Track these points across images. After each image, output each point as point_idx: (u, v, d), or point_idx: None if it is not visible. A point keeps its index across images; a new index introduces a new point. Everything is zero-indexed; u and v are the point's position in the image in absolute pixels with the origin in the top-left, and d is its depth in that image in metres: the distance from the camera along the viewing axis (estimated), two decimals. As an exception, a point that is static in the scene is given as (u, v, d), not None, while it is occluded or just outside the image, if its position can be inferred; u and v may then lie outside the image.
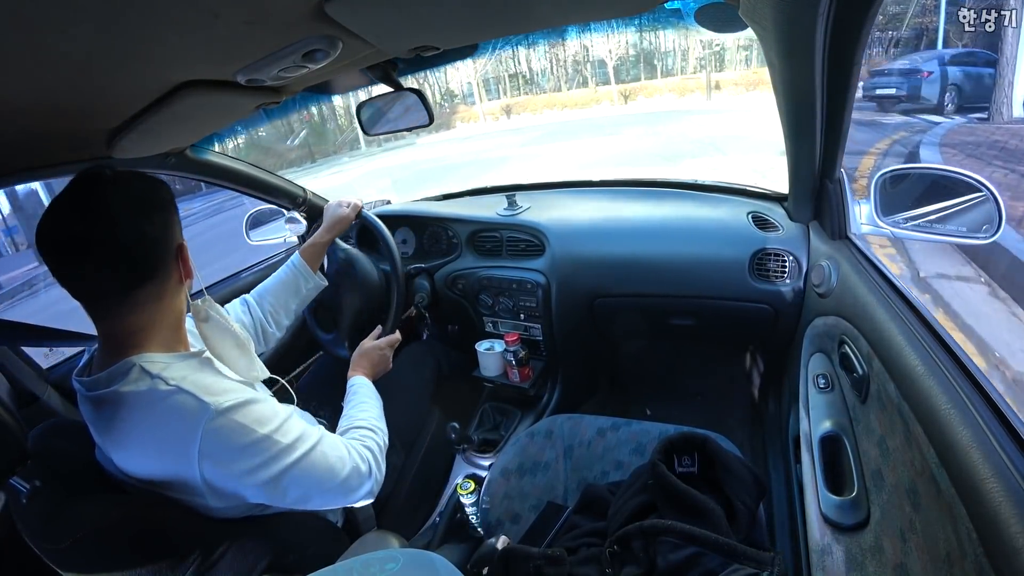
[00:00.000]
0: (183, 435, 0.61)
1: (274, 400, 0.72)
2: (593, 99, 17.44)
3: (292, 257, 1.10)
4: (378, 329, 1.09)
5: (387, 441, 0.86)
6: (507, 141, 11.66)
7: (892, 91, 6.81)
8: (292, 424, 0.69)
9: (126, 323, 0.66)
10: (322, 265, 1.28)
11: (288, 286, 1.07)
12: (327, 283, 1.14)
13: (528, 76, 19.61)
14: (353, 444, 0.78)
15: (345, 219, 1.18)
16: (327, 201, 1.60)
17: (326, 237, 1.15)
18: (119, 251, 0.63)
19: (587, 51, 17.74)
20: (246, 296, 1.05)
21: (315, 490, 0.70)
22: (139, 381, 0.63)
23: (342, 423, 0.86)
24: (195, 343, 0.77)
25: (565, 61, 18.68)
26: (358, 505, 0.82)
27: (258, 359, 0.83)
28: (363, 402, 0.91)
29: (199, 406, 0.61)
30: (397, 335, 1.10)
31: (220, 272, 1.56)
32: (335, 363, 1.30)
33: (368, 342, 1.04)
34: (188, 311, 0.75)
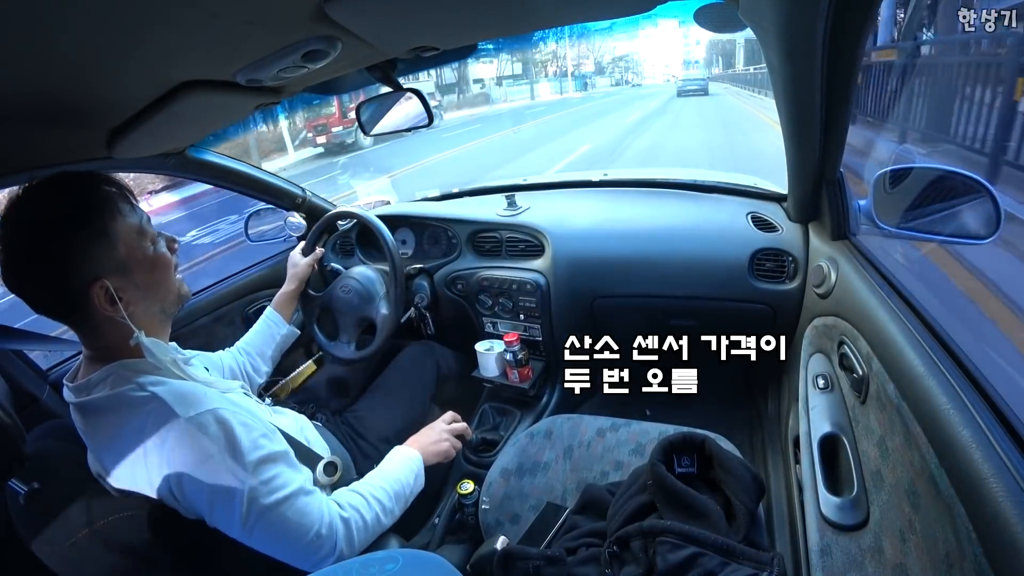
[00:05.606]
0: (154, 444, 0.61)
1: (253, 411, 0.70)
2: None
3: (267, 310, 1.21)
4: (451, 414, 1.07)
5: (384, 522, 0.78)
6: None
7: None
8: (264, 441, 0.67)
9: (87, 341, 0.66)
10: (315, 289, 1.33)
11: (264, 336, 1.16)
12: (299, 332, 1.25)
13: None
14: (332, 509, 0.71)
15: (304, 269, 1.27)
16: (329, 204, 1.61)
17: (291, 287, 1.24)
18: (19, 288, 0.61)
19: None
20: (233, 348, 1.13)
21: (276, 516, 0.65)
22: (117, 387, 0.63)
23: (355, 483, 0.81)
24: (181, 351, 0.77)
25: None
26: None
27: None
28: (384, 470, 0.86)
29: (171, 416, 0.61)
30: (462, 424, 1.06)
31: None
32: (334, 366, 1.31)
33: (437, 422, 1.03)
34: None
